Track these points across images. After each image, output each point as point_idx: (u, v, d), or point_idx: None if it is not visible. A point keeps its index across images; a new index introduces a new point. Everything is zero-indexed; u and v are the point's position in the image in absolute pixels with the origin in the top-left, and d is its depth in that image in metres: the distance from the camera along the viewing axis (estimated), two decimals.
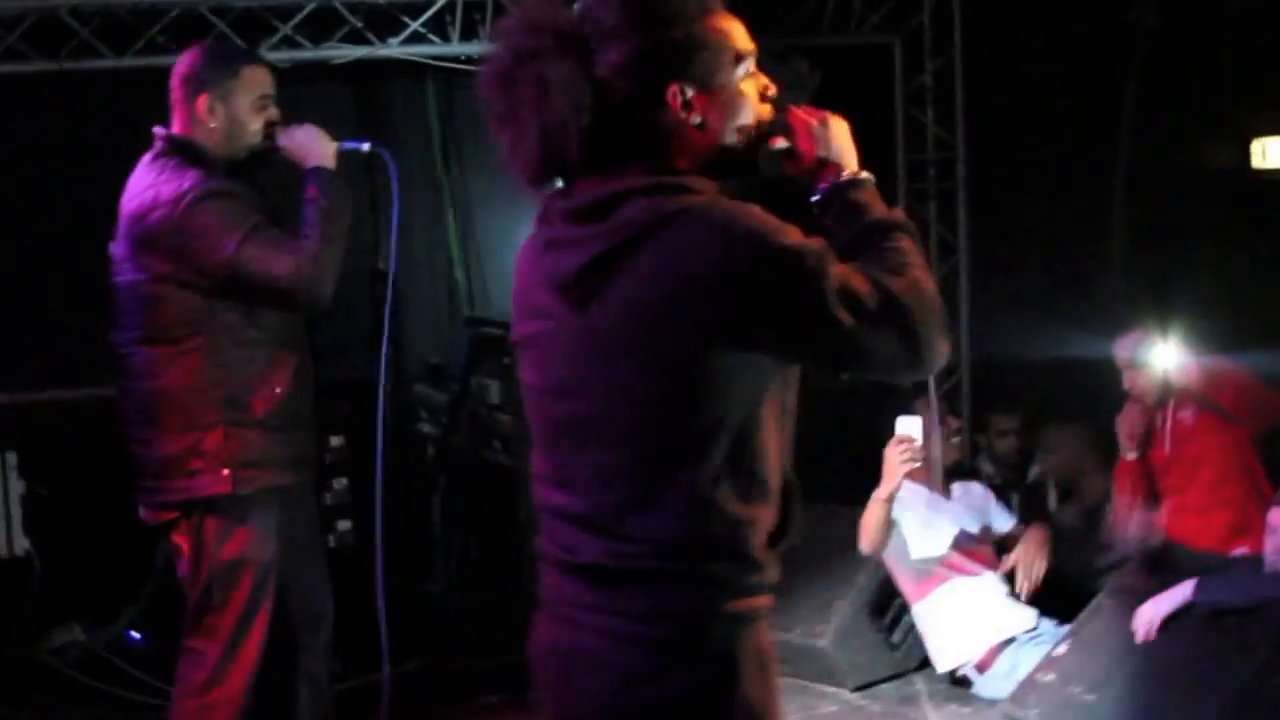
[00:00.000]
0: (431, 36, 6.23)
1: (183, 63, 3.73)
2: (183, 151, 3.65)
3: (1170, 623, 4.33)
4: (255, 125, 3.70)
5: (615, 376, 1.96)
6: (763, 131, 2.09)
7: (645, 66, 1.98)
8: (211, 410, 3.61)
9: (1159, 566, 4.74)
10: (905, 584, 5.25)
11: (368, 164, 4.10)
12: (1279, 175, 6.77)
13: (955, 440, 5.66)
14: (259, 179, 3.78)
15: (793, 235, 1.92)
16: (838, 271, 1.93)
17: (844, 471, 5.26)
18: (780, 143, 2.11)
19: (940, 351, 2.00)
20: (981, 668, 5.12)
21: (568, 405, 2.03)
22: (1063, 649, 4.68)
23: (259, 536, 3.67)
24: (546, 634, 2.13)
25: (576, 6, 2.01)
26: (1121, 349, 5.29)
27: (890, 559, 5.20)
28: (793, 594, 5.19)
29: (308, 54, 6.16)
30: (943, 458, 5.32)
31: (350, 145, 3.85)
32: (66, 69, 5.91)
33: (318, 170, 3.70)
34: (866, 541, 5.02)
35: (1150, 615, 4.36)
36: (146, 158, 3.69)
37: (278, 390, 3.68)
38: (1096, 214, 7.24)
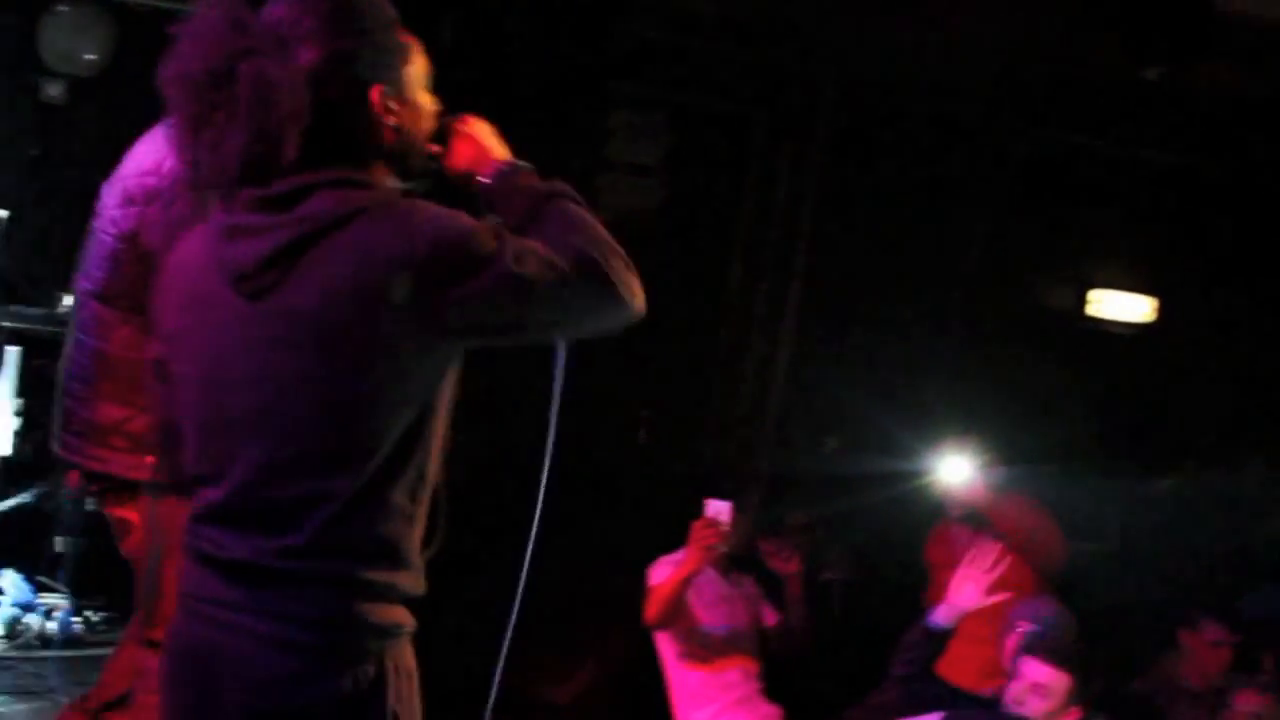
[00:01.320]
0: None
1: None
2: None
3: None
4: None
5: (293, 369, 1.93)
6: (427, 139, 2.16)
7: (350, 69, 2.00)
8: (148, 393, 3.39)
9: (913, 693, 4.65)
10: (668, 658, 5.14)
11: None
12: (1107, 325, 7.23)
13: (741, 528, 5.56)
14: None
15: (467, 219, 1.95)
16: (516, 241, 1.95)
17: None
18: (436, 149, 2.17)
19: (636, 290, 2.00)
20: None
21: (235, 398, 1.97)
22: None
23: None
24: (186, 631, 2.04)
25: (268, 10, 2.00)
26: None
27: (659, 630, 5.09)
28: (539, 648, 5.00)
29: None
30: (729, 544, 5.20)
31: None
32: None
33: None
34: (655, 613, 4.95)
35: None
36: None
37: None
38: (930, 329, 7.26)
